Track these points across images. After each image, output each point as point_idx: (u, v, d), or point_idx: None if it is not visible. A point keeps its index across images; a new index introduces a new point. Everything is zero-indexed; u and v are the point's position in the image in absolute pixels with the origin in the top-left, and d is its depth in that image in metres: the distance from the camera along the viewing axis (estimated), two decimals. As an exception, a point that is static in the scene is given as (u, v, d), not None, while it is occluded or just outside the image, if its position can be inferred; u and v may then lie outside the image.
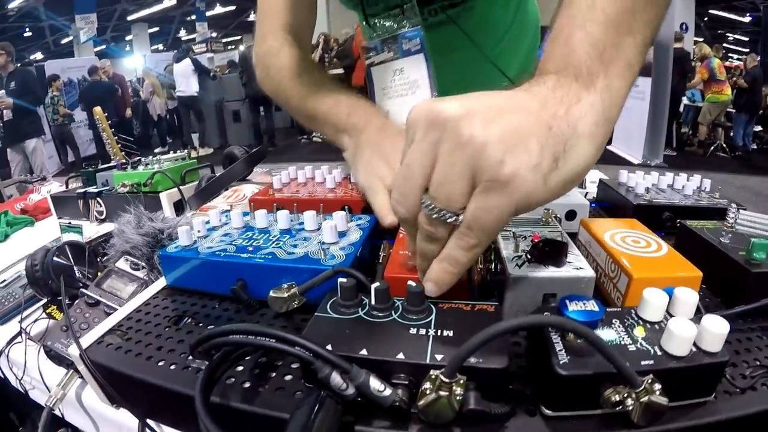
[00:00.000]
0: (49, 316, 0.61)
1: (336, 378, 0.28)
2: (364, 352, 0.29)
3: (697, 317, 0.30)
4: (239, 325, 0.32)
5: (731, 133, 5.10)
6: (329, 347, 0.29)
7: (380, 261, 0.48)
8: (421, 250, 0.32)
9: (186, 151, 1.05)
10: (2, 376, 0.59)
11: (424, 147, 0.28)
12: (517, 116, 0.27)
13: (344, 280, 0.34)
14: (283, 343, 0.29)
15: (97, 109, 1.16)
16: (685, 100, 5.42)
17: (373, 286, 0.32)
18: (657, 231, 0.54)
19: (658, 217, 0.55)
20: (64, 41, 9.61)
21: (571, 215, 0.56)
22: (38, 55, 9.56)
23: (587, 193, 0.72)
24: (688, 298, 0.29)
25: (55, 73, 5.78)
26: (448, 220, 0.29)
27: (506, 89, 0.30)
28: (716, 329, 0.26)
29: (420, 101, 0.30)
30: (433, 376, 0.25)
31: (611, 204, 0.65)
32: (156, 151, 6.74)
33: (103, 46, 9.24)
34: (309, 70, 0.63)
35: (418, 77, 0.70)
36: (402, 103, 0.72)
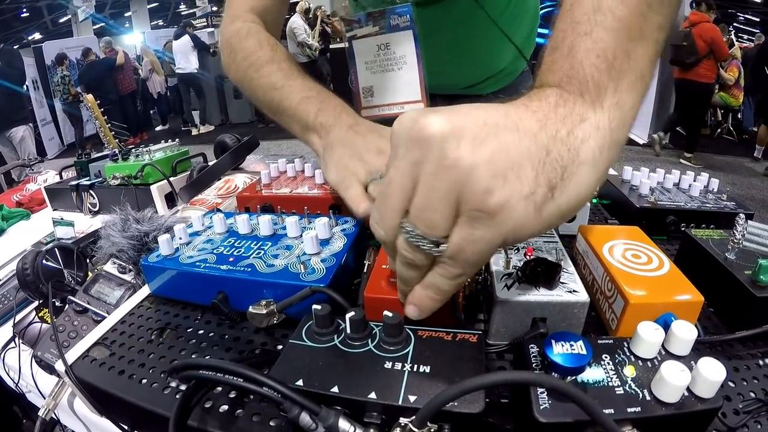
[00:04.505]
0: (42, 320, 0.61)
1: (305, 418, 0.27)
2: (335, 389, 0.27)
3: (693, 354, 0.28)
4: (210, 361, 0.31)
5: (739, 115, 4.88)
6: (300, 382, 0.28)
7: (365, 270, 0.46)
8: (400, 275, 0.30)
9: (176, 141, 1.02)
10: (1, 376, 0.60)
11: (404, 166, 0.25)
12: (512, 137, 0.24)
13: (318, 307, 0.32)
14: (251, 383, 0.28)
15: (89, 97, 1.12)
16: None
17: (348, 315, 0.31)
18: (661, 235, 0.52)
19: (662, 221, 0.52)
20: (62, 20, 9.41)
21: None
22: (36, 35, 9.37)
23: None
24: (686, 335, 0.27)
25: (63, 52, 5.63)
26: (430, 251, 0.26)
27: (502, 102, 0.27)
28: (712, 376, 0.24)
29: (409, 111, 0.26)
30: (403, 424, 0.24)
31: (613, 201, 0.61)
32: (157, 129, 6.69)
33: (102, 24, 9.03)
34: (277, 59, 0.59)
35: (405, 53, 0.67)
36: (388, 78, 0.69)
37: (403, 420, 0.24)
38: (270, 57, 0.59)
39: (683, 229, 0.50)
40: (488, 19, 0.74)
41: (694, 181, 0.57)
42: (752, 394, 0.32)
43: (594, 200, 0.65)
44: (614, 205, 0.61)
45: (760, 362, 0.35)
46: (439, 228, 0.25)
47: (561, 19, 0.29)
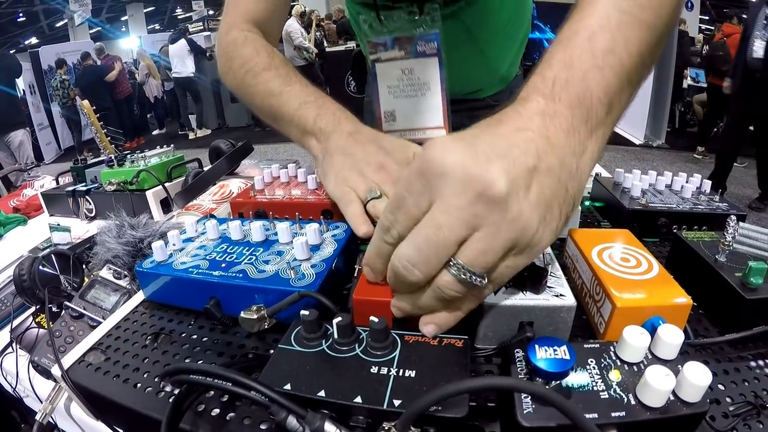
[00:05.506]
0: (38, 325, 0.61)
1: (292, 422, 0.27)
2: (322, 393, 0.28)
3: (680, 358, 0.28)
4: (201, 365, 0.31)
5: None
6: (288, 386, 0.29)
7: (356, 275, 0.46)
8: (427, 306, 0.30)
9: (171, 147, 1.03)
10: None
11: (466, 217, 0.26)
12: (546, 180, 0.27)
13: (306, 312, 0.32)
14: (239, 387, 0.28)
15: (85, 103, 1.13)
16: (688, 81, 5.21)
17: (335, 320, 0.31)
18: (653, 238, 0.52)
19: (653, 223, 0.52)
20: (58, 24, 9.44)
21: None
22: (33, 40, 9.39)
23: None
24: (672, 339, 0.27)
25: (62, 57, 5.68)
26: (480, 284, 0.28)
27: (525, 132, 0.28)
28: (697, 380, 0.24)
29: (439, 143, 0.27)
30: (386, 428, 0.24)
31: (605, 204, 0.62)
32: (154, 133, 6.70)
33: (99, 28, 9.06)
34: (275, 65, 0.59)
35: (429, 80, 0.67)
36: (410, 103, 0.69)
37: (386, 424, 0.24)
38: (267, 64, 0.59)
39: (675, 231, 0.50)
40: (476, 47, 0.75)
41: (687, 182, 0.57)
42: (742, 397, 0.32)
43: (587, 203, 0.65)
44: (606, 208, 0.61)
45: (752, 364, 0.35)
46: (492, 265, 0.28)
47: (579, 45, 0.31)
